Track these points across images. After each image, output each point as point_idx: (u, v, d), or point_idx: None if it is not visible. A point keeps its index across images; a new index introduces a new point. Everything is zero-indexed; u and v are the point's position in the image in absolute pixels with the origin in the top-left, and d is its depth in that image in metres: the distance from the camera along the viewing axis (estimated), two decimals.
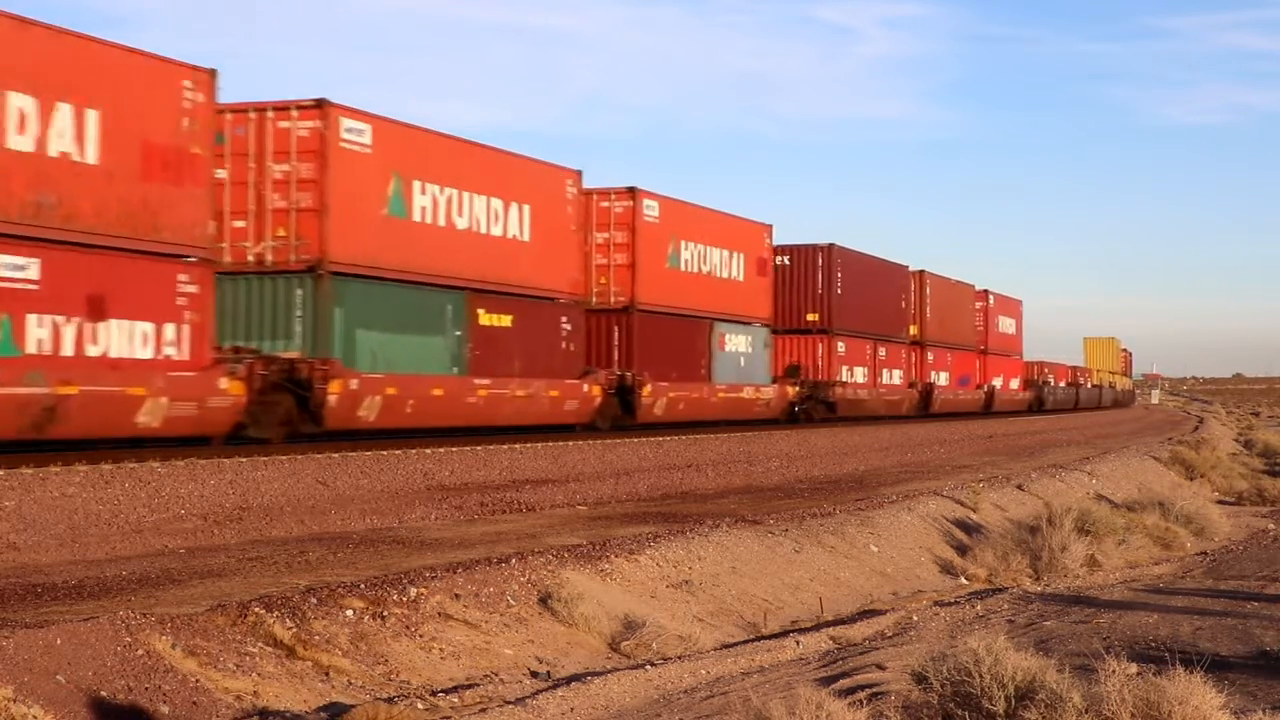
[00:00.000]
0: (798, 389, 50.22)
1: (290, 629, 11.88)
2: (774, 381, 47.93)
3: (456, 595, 13.74)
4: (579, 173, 36.70)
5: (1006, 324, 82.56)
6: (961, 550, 22.42)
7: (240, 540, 17.31)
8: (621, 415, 37.66)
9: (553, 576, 15.00)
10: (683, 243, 41.26)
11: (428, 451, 26.26)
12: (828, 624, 15.80)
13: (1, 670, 9.67)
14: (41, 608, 11.80)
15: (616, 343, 38.49)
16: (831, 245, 52.78)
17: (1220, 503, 33.22)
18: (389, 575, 13.89)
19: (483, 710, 11.02)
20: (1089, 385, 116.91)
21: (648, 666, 12.88)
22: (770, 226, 48.10)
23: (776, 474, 30.81)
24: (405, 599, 13.23)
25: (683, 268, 41.44)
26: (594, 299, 38.21)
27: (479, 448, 28.02)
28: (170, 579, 13.73)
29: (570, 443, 31.11)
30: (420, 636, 12.81)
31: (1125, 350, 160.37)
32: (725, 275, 44.40)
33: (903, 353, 61.65)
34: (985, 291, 77.09)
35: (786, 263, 51.65)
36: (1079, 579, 19.41)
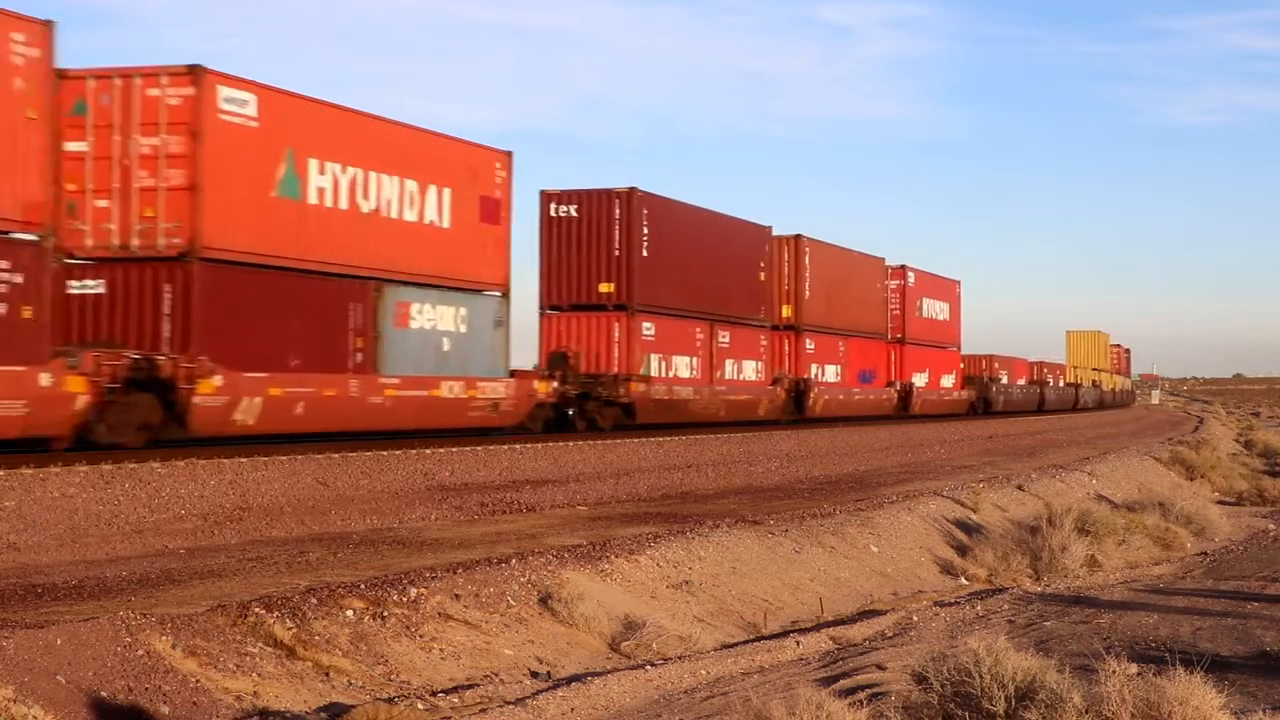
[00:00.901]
0: (557, 386, 35.62)
1: (290, 629, 11.88)
2: (512, 375, 33.28)
3: (457, 595, 13.74)
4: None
5: (935, 308, 67.11)
6: (962, 550, 22.42)
7: (240, 540, 17.31)
8: (159, 424, 24.29)
9: (553, 577, 15.00)
10: (312, 161, 27.29)
11: (428, 452, 26.25)
12: (828, 624, 15.80)
13: (2, 670, 9.67)
14: (42, 608, 11.80)
15: (169, 310, 24.77)
16: (633, 190, 39.03)
17: (1220, 503, 33.24)
18: (389, 575, 13.89)
19: (483, 710, 11.02)
20: (1059, 384, 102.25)
21: (648, 667, 12.88)
22: (509, 154, 33.55)
23: (776, 474, 30.81)
24: (405, 599, 13.23)
25: (312, 199, 27.31)
26: (133, 241, 24.87)
27: (479, 448, 28.02)
28: (170, 579, 13.73)
29: (571, 443, 31.11)
30: (420, 637, 12.81)
31: (1117, 346, 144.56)
32: (412, 218, 30.05)
33: (762, 339, 47.20)
34: (902, 268, 62.43)
35: (573, 214, 38.87)
36: (1079, 579, 19.41)
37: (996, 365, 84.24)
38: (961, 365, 75.20)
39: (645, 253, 39.25)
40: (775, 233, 49.47)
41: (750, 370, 46.67)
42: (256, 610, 11.91)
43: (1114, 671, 8.79)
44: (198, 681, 10.63)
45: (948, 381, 68.81)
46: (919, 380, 63.21)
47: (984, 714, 9.02)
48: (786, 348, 49.85)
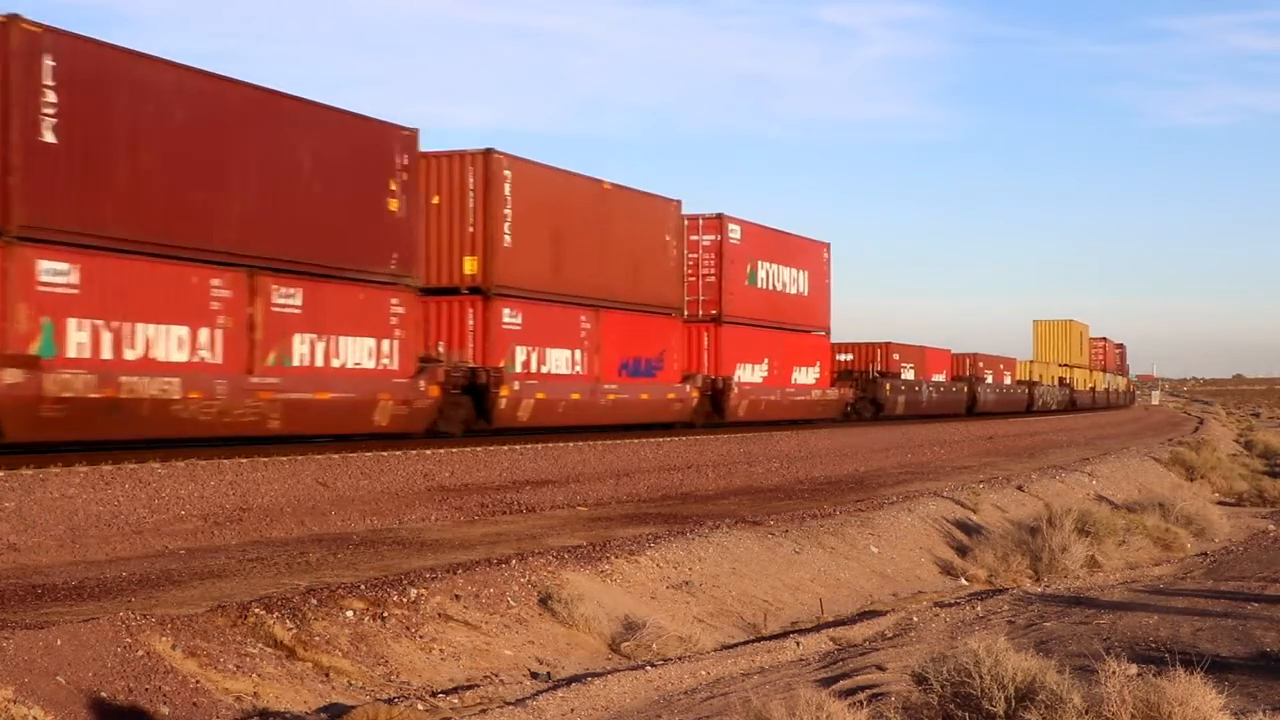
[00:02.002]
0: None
1: (290, 630, 11.89)
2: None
3: (457, 596, 13.75)
4: None
5: (782, 278, 48.25)
6: (962, 551, 22.42)
7: (240, 541, 17.31)
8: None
9: (553, 577, 15.01)
10: None
11: (428, 452, 26.24)
12: (828, 625, 15.80)
13: (2, 671, 9.67)
14: (42, 609, 11.80)
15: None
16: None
17: (1220, 504, 33.25)
18: (389, 576, 13.89)
19: (483, 711, 11.02)
20: (1004, 382, 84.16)
21: (648, 667, 12.88)
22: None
23: (777, 475, 30.82)
24: (405, 600, 13.23)
25: None
26: None
27: (479, 448, 28.02)
28: (170, 580, 13.74)
29: (570, 443, 31.12)
30: (420, 637, 12.82)
31: (1101, 339, 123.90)
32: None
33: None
34: (719, 218, 43.43)
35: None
36: (1079, 580, 19.42)
37: (896, 357, 64.31)
38: (848, 357, 61.73)
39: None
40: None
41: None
42: (256, 611, 11.92)
43: (1114, 672, 8.79)
44: (198, 682, 10.64)
45: (805, 376, 49.98)
46: (747, 373, 44.84)
47: (984, 715, 9.02)
48: (466, 317, 32.49)
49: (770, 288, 47.60)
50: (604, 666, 13.33)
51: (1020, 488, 29.89)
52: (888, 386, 61.52)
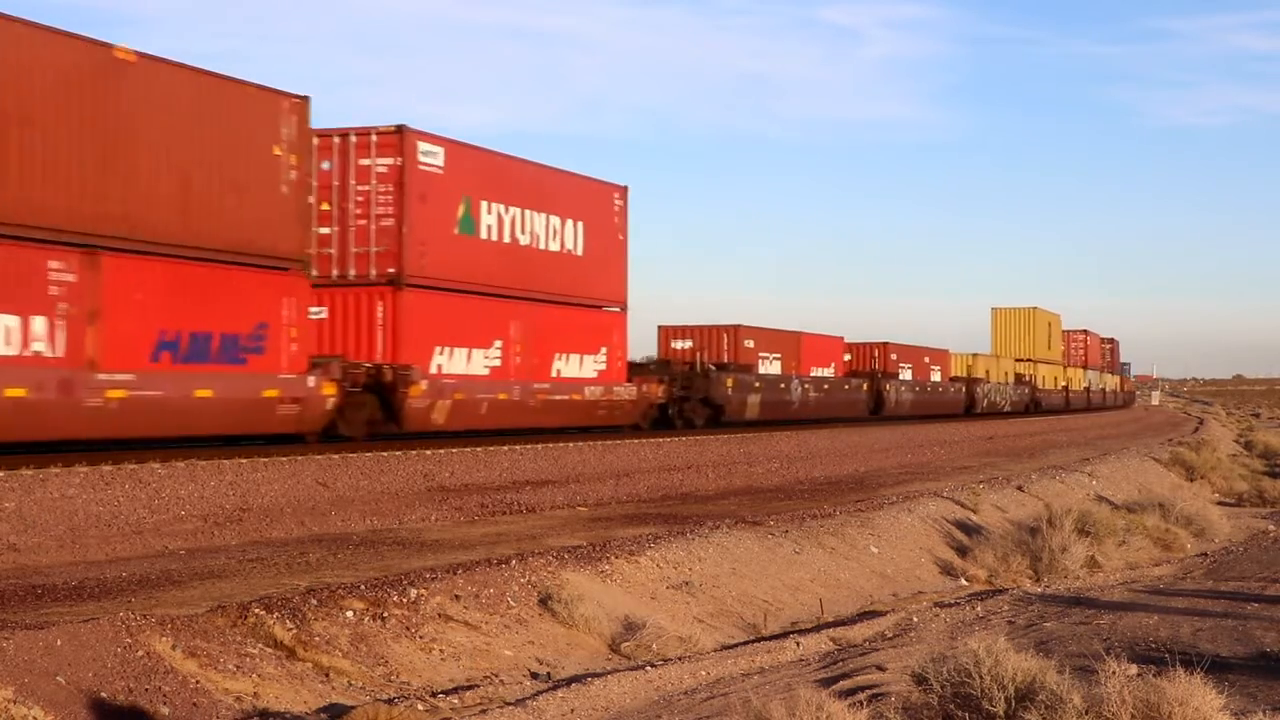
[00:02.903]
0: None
1: (290, 630, 11.88)
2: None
3: (457, 596, 13.75)
4: None
5: (528, 226, 34.26)
6: (961, 551, 22.42)
7: (240, 541, 17.32)
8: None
9: (553, 578, 15.00)
10: None
11: (428, 453, 26.25)
12: (828, 625, 15.80)
13: (2, 671, 9.67)
14: (42, 609, 11.80)
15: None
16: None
17: (1220, 504, 33.25)
18: (389, 576, 13.89)
19: (483, 711, 11.02)
20: (936, 380, 69.78)
21: (648, 668, 12.88)
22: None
23: (777, 475, 30.83)
24: (405, 600, 13.23)
25: None
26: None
27: (479, 449, 28.02)
28: (170, 580, 13.74)
29: (571, 444, 31.11)
30: (420, 638, 12.82)
31: (1083, 332, 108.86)
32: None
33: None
34: (398, 132, 30.00)
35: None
36: (1079, 580, 19.41)
37: (750, 345, 49.28)
38: (685, 344, 48.26)
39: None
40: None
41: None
42: (256, 611, 11.92)
43: (1114, 672, 8.79)
44: (198, 682, 10.63)
45: (580, 368, 36.32)
46: (454, 362, 31.13)
47: (984, 715, 9.02)
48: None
49: (508, 240, 33.58)
50: (604, 667, 13.32)
51: (1020, 488, 29.89)
52: (729, 383, 45.88)
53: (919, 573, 20.94)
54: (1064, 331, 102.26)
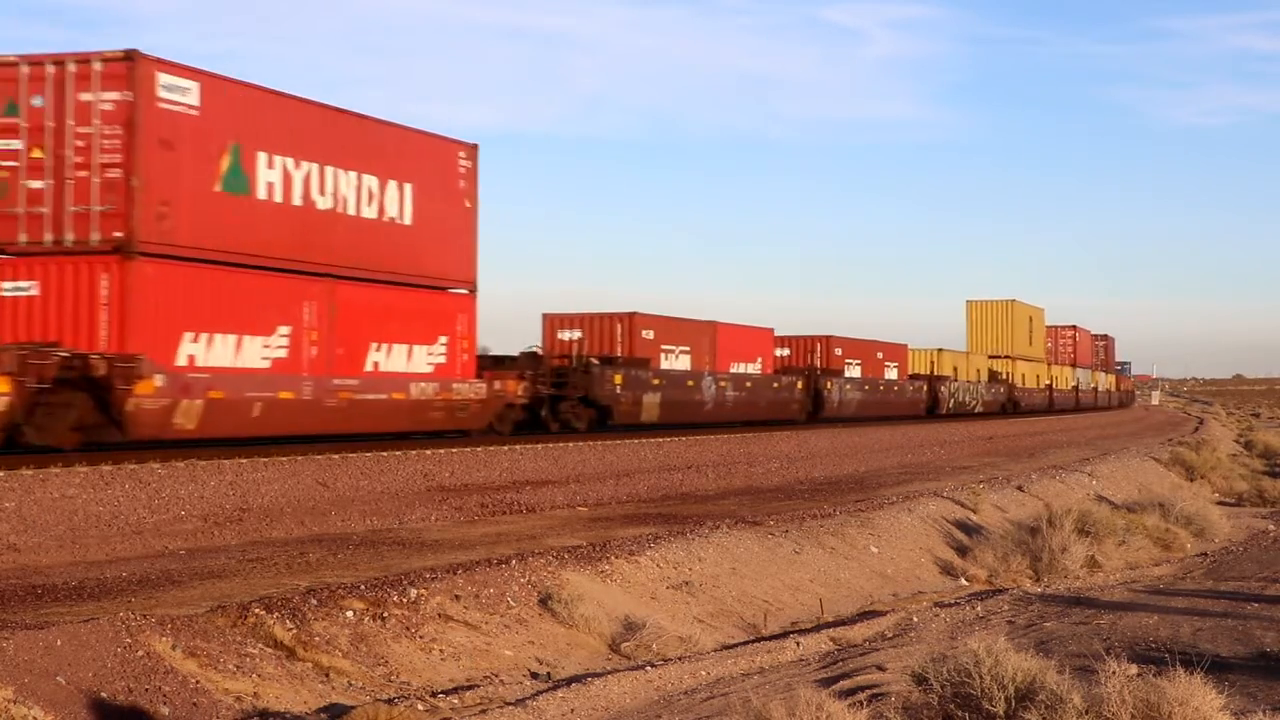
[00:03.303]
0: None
1: (290, 630, 11.88)
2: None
3: (457, 596, 13.75)
4: None
5: (329, 186, 27.76)
6: (962, 551, 22.42)
7: (240, 541, 17.31)
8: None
9: (553, 578, 15.01)
10: None
11: (428, 453, 26.25)
12: (828, 625, 15.80)
13: (2, 671, 9.67)
14: (42, 609, 11.81)
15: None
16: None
17: (1220, 504, 33.23)
18: (389, 576, 13.89)
19: (483, 711, 11.02)
20: (891, 378, 63.99)
21: (648, 667, 12.88)
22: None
23: (777, 475, 30.84)
24: (405, 600, 13.23)
25: None
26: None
27: (479, 449, 28.02)
28: (170, 580, 13.74)
29: (571, 444, 31.13)
30: (420, 638, 12.82)
31: (1071, 328, 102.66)
32: None
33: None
34: (127, 59, 23.64)
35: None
36: (1079, 580, 19.42)
37: (648, 336, 43.29)
38: (574, 334, 42.38)
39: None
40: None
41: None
42: (256, 611, 11.92)
43: (1114, 672, 8.80)
44: (198, 682, 10.63)
45: (408, 361, 29.82)
46: (216, 353, 24.84)
47: (984, 715, 9.02)
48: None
49: (299, 202, 27.24)
50: (604, 667, 13.32)
51: (1020, 488, 29.90)
52: (616, 380, 39.38)
53: (919, 573, 20.94)
54: (1050, 327, 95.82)
